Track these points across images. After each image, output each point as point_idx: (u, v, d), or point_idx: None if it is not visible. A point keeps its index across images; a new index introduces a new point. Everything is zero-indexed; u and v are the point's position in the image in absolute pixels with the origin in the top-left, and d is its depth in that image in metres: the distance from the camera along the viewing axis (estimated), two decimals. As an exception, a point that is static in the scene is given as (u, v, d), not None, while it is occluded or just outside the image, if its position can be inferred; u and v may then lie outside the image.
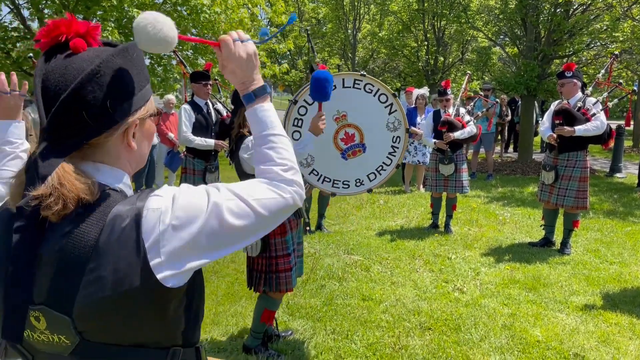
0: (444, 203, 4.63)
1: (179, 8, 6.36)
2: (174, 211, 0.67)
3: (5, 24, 6.39)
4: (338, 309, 2.88)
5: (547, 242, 4.04)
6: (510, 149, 10.71)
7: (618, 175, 7.77)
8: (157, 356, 0.73)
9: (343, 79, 2.32)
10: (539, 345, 2.49)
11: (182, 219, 0.67)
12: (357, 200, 5.90)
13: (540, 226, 4.26)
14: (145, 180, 6.45)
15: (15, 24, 6.53)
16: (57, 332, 0.68)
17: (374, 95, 2.36)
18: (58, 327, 0.68)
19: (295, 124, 2.29)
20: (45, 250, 0.66)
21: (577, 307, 2.89)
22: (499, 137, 9.53)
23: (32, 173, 0.64)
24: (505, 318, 2.74)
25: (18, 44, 6.43)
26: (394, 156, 2.40)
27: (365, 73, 2.35)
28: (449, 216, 4.58)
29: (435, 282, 3.34)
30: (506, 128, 9.56)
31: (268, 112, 0.85)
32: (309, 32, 5.35)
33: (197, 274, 0.76)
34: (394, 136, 2.39)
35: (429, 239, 4.39)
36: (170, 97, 6.14)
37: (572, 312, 2.82)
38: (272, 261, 2.12)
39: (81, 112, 0.66)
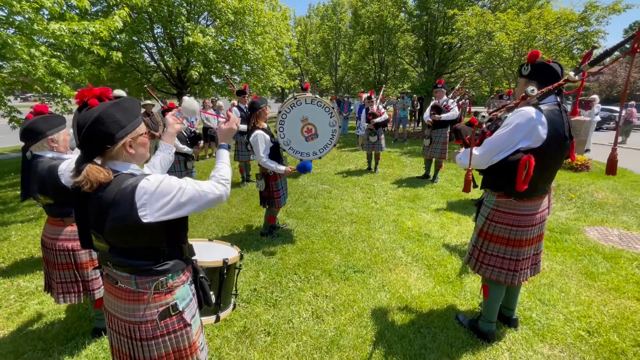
0: (374, 156, 7.46)
1: (237, 51, 9.82)
2: (156, 190, 1.18)
3: (146, 62, 11.02)
4: (311, 213, 5.22)
5: (425, 176, 6.69)
6: (421, 125, 16.11)
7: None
8: (154, 251, 1.31)
9: (305, 99, 4.25)
10: (408, 230, 4.56)
11: (159, 195, 1.19)
12: (331, 155, 9.13)
13: (423, 167, 6.96)
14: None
15: (151, 63, 11.04)
16: (100, 242, 1.26)
17: (322, 107, 4.30)
18: (99, 240, 1.26)
19: (280, 122, 4.29)
20: (89, 205, 1.21)
21: (432, 210, 5.29)
22: (413, 118, 16.56)
23: (76, 169, 1.19)
24: (395, 216, 5.07)
25: (154, 74, 10.91)
26: (332, 140, 4.44)
27: (317, 96, 4.26)
28: (376, 163, 7.43)
29: (363, 198, 5.76)
30: (417, 113, 16.35)
31: (223, 155, 1.55)
32: (299, 65, 8.38)
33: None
34: (332, 129, 4.39)
35: (365, 175, 7.03)
36: (234, 102, 9.12)
37: (429, 212, 5.18)
38: (271, 193, 4.12)
39: (92, 138, 1.16)
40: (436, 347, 2.46)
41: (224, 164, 1.52)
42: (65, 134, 2.21)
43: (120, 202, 1.17)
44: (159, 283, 1.34)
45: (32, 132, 2.09)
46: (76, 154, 2.27)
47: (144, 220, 1.19)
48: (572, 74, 1.79)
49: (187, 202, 1.27)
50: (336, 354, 2.41)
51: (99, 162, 1.24)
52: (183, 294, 1.42)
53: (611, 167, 1.84)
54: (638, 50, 1.48)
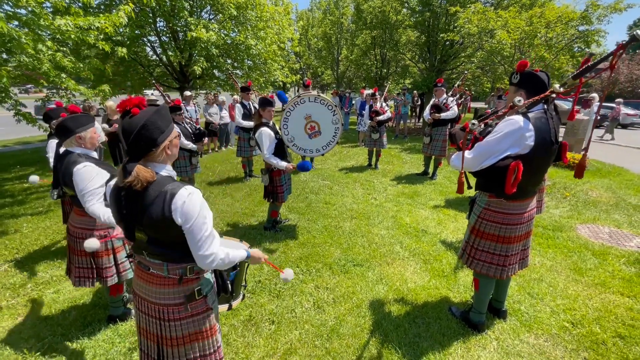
0: (375, 153, 7.54)
1: (239, 46, 9.96)
2: (190, 201, 1.34)
3: (148, 56, 10.94)
4: (312, 208, 5.36)
5: (425, 173, 6.84)
6: (421, 121, 15.85)
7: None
8: (185, 243, 1.42)
9: (309, 97, 4.37)
10: (406, 226, 4.66)
11: (186, 211, 1.33)
12: (332, 151, 9.12)
13: (422, 164, 7.08)
14: (225, 140, 10.54)
15: (154, 57, 10.94)
16: (140, 233, 1.42)
17: (324, 105, 4.42)
18: (139, 231, 1.41)
19: (284, 120, 4.41)
20: (136, 202, 1.35)
21: (430, 206, 5.44)
22: (414, 114, 16.64)
23: (124, 171, 1.32)
24: (393, 212, 5.21)
25: (157, 69, 11.23)
26: (335, 137, 4.57)
27: (320, 93, 4.39)
28: (377, 160, 7.53)
29: (363, 194, 5.92)
30: (417, 109, 16.40)
31: (240, 253, 1.64)
32: (300, 61, 9.00)
33: None
34: (335, 127, 4.51)
35: (366, 171, 7.15)
36: (236, 97, 9.47)
37: (427, 209, 5.33)
38: (275, 188, 4.24)
39: (139, 143, 1.32)
40: (429, 335, 2.63)
41: (237, 256, 1.62)
42: (93, 132, 2.39)
43: (160, 203, 1.32)
44: (187, 270, 1.50)
45: (62, 129, 2.31)
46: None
47: (176, 220, 1.35)
48: (557, 86, 1.93)
49: (195, 232, 1.38)
50: (336, 341, 2.59)
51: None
52: (206, 280, 1.59)
53: (579, 170, 2.03)
54: (615, 67, 1.62)
